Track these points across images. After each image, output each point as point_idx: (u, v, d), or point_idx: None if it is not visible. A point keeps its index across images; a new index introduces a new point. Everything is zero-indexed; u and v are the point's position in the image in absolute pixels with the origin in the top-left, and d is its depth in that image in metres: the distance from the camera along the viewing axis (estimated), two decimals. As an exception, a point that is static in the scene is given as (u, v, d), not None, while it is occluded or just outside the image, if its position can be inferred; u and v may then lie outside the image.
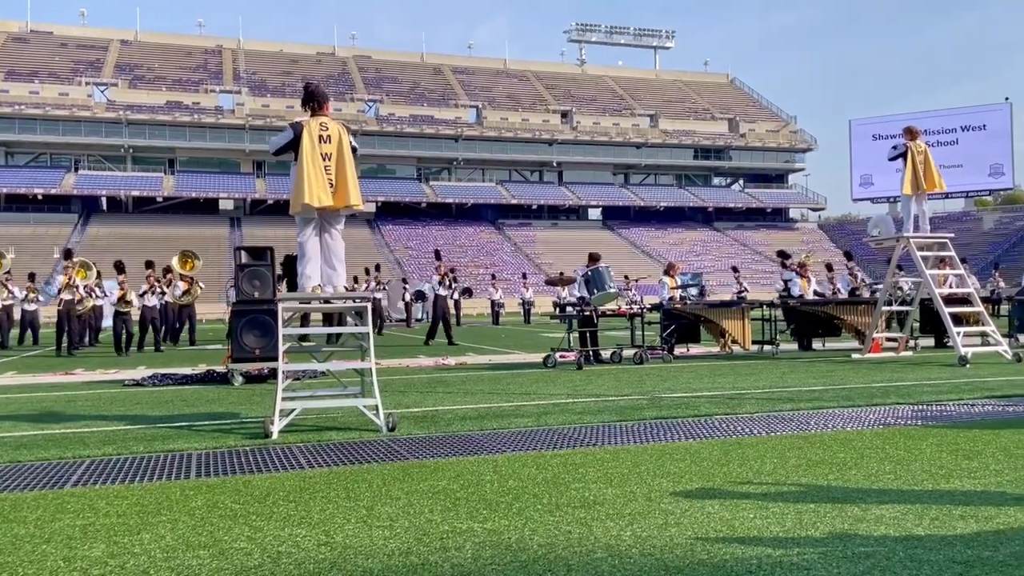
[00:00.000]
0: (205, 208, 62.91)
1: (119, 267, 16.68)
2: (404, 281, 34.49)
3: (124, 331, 15.55)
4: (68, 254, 17.50)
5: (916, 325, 12.91)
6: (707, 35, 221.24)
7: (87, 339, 17.78)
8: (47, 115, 59.84)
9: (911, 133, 11.47)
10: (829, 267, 17.16)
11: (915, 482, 3.85)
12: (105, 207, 62.32)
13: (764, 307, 13.43)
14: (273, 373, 8.17)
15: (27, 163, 61.86)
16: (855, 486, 3.79)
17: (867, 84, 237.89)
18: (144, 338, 17.07)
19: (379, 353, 9.10)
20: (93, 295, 17.87)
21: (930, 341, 13.47)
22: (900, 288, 13.39)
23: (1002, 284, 21.00)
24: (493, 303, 32.20)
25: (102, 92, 63.58)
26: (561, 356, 11.26)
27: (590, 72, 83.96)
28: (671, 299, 12.97)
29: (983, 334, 11.22)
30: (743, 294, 18.22)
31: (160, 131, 62.29)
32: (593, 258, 11.99)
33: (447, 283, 17.79)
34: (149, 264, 17.70)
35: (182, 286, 18.33)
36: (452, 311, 21.96)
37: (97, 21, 72.50)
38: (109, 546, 3.08)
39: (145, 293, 16.76)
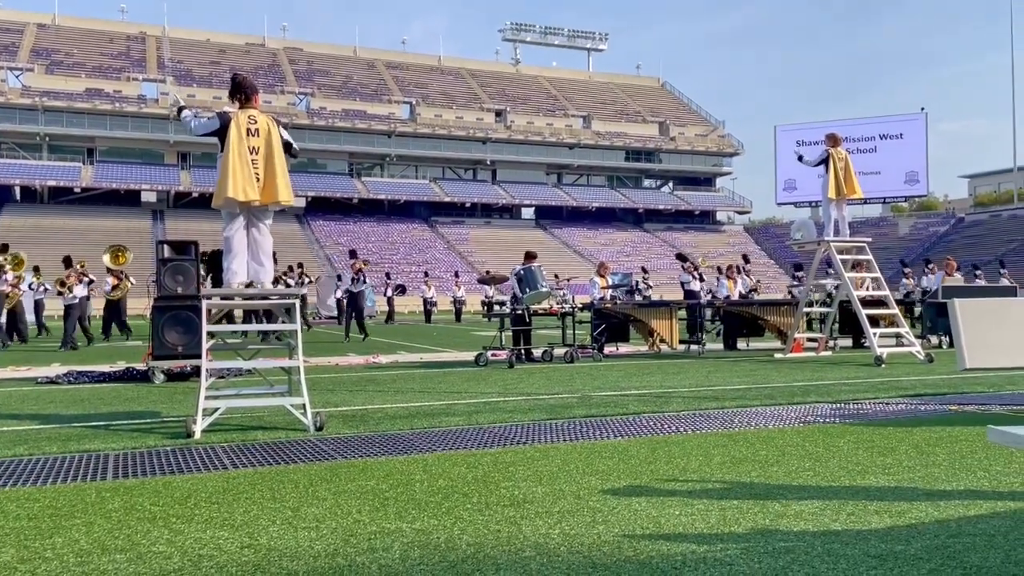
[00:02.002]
0: (126, 200, 60.83)
1: (67, 261, 16.99)
2: (338, 278, 34.02)
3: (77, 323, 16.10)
4: (4, 248, 17.39)
5: (835, 326, 13.35)
6: (639, 39, 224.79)
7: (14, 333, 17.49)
8: (-44, 99, 57.01)
9: (833, 140, 11.85)
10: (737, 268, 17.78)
11: (833, 478, 3.97)
12: (19, 197, 59.69)
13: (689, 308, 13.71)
14: (196, 371, 7.96)
15: (-66, 149, 58.83)
16: (776, 483, 3.89)
17: (793, 91, 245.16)
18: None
19: (308, 351, 8.96)
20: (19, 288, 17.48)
21: (848, 342, 13.95)
22: (829, 294, 13.88)
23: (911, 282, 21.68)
24: (426, 301, 32.02)
25: (17, 77, 60.86)
26: (493, 355, 11.27)
27: (524, 72, 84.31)
28: (602, 299, 13.12)
29: (898, 335, 11.67)
30: (648, 293, 18.74)
31: (79, 119, 59.91)
32: (529, 256, 12.07)
33: (361, 279, 18.46)
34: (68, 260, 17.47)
35: (111, 281, 17.91)
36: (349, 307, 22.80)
37: (12, 3, 69.20)
38: (19, 550, 2.95)
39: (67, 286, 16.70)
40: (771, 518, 3.26)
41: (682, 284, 16.35)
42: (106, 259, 18.19)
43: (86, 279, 16.99)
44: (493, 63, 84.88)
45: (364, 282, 18.82)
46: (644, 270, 22.10)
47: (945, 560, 2.71)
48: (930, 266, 19.75)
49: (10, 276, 16.60)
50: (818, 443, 4.91)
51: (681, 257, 16.87)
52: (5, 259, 16.73)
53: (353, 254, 19.94)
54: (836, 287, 13.42)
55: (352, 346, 15.66)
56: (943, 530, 3.06)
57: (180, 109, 6.11)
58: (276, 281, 17.67)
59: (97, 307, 18.64)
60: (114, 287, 17.97)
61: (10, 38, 64.43)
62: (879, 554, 2.78)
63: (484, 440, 5.16)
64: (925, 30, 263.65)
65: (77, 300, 16.26)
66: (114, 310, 18.46)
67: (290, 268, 21.56)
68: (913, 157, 65.88)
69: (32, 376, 9.74)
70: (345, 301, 19.28)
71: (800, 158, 12.76)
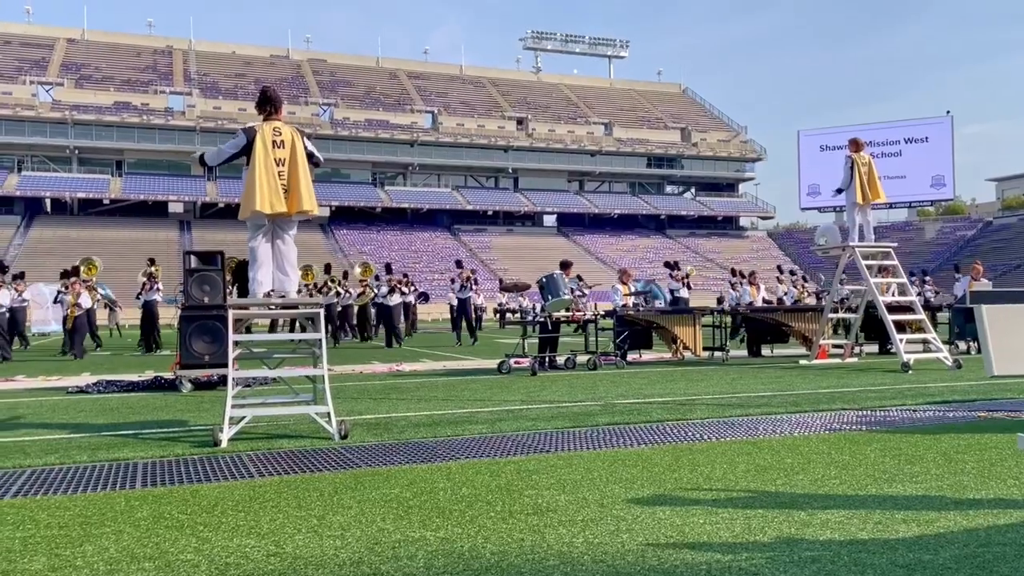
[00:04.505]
0: (154, 211, 61.70)
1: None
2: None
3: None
4: (151, 261, 18.01)
5: (860, 332, 13.21)
6: (660, 45, 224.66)
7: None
8: (-11, 114, 58.10)
9: (856, 145, 11.75)
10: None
11: (859, 487, 3.93)
12: (49, 209, 60.69)
13: (714, 314, 13.64)
14: (223, 380, 8.04)
15: (-33, 163, 59.97)
16: (802, 491, 3.86)
17: (815, 96, 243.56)
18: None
19: (332, 359, 9.02)
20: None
21: (875, 348, 13.79)
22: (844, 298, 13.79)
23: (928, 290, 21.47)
24: (452, 308, 31.70)
25: (47, 92, 61.96)
26: (515, 362, 11.27)
27: (545, 80, 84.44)
28: (624, 306, 13.09)
29: (925, 341, 11.53)
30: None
31: (107, 132, 60.87)
32: (565, 265, 12.14)
33: (469, 286, 19.98)
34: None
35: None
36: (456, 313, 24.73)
37: (43, 19, 70.77)
38: (50, 559, 3.00)
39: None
40: (797, 527, 3.24)
41: (671, 292, 16.69)
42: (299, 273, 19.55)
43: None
44: (514, 71, 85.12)
45: (471, 289, 20.06)
46: (579, 278, 22.74)
47: (975, 570, 2.68)
48: (958, 274, 19.75)
49: (161, 285, 17.35)
50: (844, 451, 4.86)
51: (669, 265, 17.44)
52: (157, 269, 17.39)
53: (459, 263, 21.73)
54: (850, 292, 13.35)
55: (459, 351, 16.04)
56: (972, 539, 3.02)
57: (200, 157, 6.21)
58: (392, 291, 18.86)
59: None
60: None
61: (40, 53, 65.62)
62: (907, 564, 2.75)
63: (507, 448, 5.17)
64: (949, 33, 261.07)
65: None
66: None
67: (404, 275, 22.22)
68: (939, 161, 65.16)
69: (62, 386, 9.89)
70: (454, 308, 21.27)
71: (838, 191, 12.21)
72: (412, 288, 22.13)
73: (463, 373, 11.17)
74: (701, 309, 13.78)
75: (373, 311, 21.25)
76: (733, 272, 18.41)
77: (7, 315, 15.90)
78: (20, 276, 18.13)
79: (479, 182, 73.67)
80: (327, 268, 21.77)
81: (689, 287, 17.36)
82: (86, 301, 16.33)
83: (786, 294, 18.21)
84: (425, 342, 20.35)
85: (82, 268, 17.54)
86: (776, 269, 21.07)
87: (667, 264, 17.61)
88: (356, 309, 21.70)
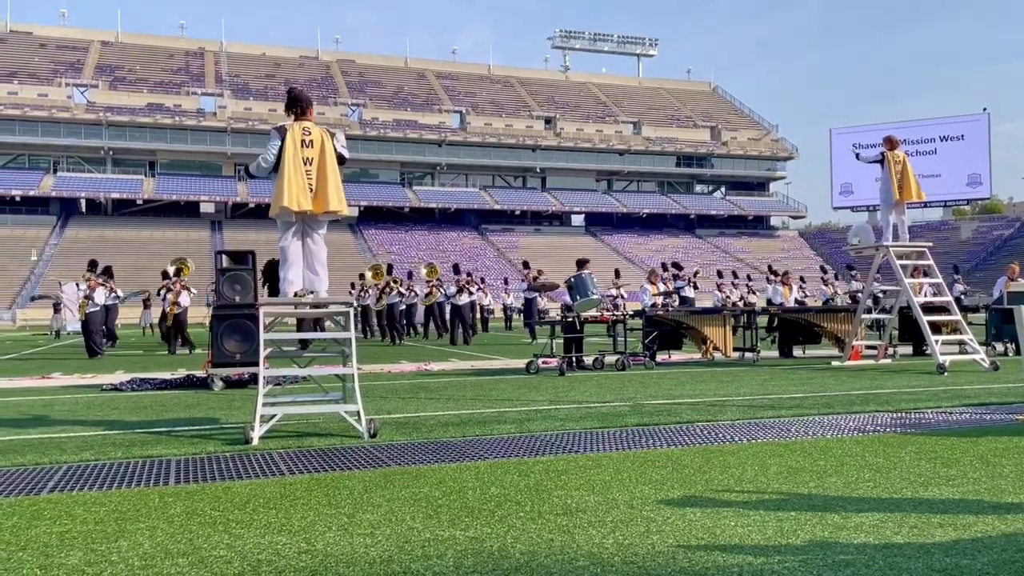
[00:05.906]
0: (186, 211, 62.57)
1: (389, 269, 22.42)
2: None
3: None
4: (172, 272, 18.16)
5: (895, 333, 13.02)
6: (690, 44, 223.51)
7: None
8: (26, 116, 59.28)
9: (890, 142, 11.59)
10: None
11: (894, 490, 3.87)
12: (84, 209, 61.80)
13: (745, 315, 13.52)
14: (254, 378, 8.12)
15: (5, 164, 61.23)
16: (835, 494, 3.81)
17: (848, 93, 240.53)
18: None
19: (361, 358, 9.06)
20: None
21: (908, 349, 13.59)
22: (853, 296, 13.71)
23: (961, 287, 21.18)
24: (482, 308, 31.49)
25: (82, 93, 63.08)
26: (543, 362, 11.26)
27: (574, 79, 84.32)
28: (653, 305, 13.03)
29: (961, 342, 11.34)
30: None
31: (141, 133, 61.86)
32: (581, 263, 12.05)
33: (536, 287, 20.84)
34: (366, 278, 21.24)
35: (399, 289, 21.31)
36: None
37: (78, 22, 72.18)
38: (86, 554, 3.04)
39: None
40: (830, 530, 3.19)
41: (677, 291, 16.90)
42: (370, 274, 22.19)
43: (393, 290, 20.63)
44: (542, 71, 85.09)
45: (538, 289, 20.61)
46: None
47: (1014, 575, 2.62)
48: (957, 275, 19.71)
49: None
50: (878, 453, 4.79)
51: (676, 266, 17.84)
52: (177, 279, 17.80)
53: (527, 264, 23.10)
54: (868, 291, 13.21)
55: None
56: (1011, 544, 2.96)
57: (246, 169, 6.29)
58: (460, 291, 19.85)
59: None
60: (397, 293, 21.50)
61: (76, 56, 66.81)
62: (943, 568, 2.71)
63: (536, 448, 5.16)
64: (983, 29, 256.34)
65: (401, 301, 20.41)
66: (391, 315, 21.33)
67: (468, 275, 22.57)
68: (975, 159, 64.07)
69: (97, 383, 10.05)
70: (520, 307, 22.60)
71: (857, 156, 12.55)
72: (478, 287, 22.62)
73: (491, 373, 11.18)
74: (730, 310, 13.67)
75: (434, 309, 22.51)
76: (719, 274, 19.03)
77: (102, 313, 16.48)
78: (109, 274, 18.47)
79: (507, 182, 73.76)
80: (389, 269, 22.48)
81: (695, 287, 17.56)
82: (185, 300, 17.32)
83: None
84: (487, 341, 20.35)
85: (182, 269, 18.20)
86: (767, 270, 21.38)
87: (674, 264, 18.22)
88: (422, 309, 22.69)
